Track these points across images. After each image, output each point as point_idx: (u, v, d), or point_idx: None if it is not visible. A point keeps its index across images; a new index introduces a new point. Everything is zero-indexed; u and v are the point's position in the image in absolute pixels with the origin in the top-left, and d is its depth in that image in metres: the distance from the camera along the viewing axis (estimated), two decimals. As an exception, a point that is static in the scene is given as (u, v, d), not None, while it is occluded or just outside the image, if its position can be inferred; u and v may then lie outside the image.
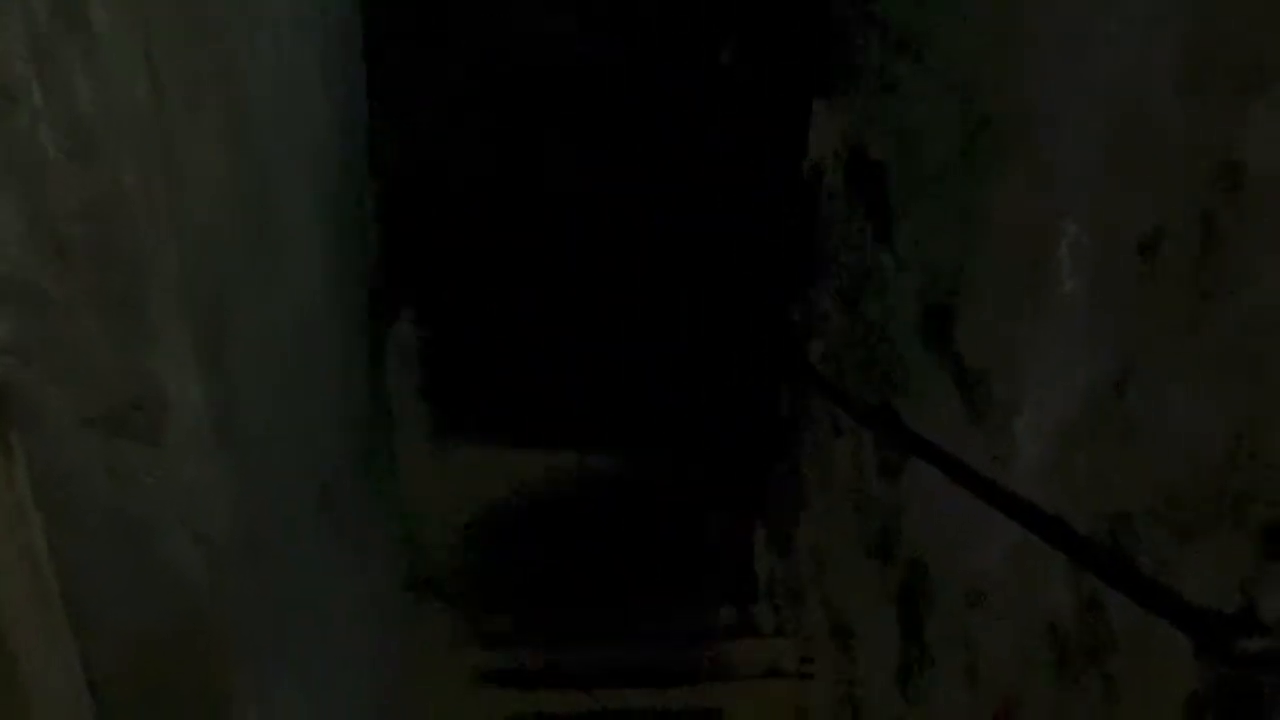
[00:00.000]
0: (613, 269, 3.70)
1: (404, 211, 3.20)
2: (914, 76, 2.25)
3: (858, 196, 2.66)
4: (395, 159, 3.03)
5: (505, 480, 4.01)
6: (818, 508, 2.96)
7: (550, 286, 3.69)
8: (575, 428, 4.03)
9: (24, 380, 0.97)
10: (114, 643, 1.05)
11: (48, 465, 1.00)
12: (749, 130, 3.26)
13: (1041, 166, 1.72)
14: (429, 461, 3.80)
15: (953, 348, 2.05)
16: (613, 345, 3.86)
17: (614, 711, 2.98)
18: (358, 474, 2.16)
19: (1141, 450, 1.46)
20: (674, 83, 3.20)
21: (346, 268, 1.99)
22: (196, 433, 1.02)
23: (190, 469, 1.03)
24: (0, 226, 0.93)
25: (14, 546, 0.96)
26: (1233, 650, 1.25)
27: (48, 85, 0.89)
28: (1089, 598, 1.58)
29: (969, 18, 1.96)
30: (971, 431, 1.95)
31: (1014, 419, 1.81)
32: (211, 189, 1.15)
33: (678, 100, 3.20)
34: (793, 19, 2.93)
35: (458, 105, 3.08)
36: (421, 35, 2.95)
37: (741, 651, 3.33)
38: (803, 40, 2.95)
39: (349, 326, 2.07)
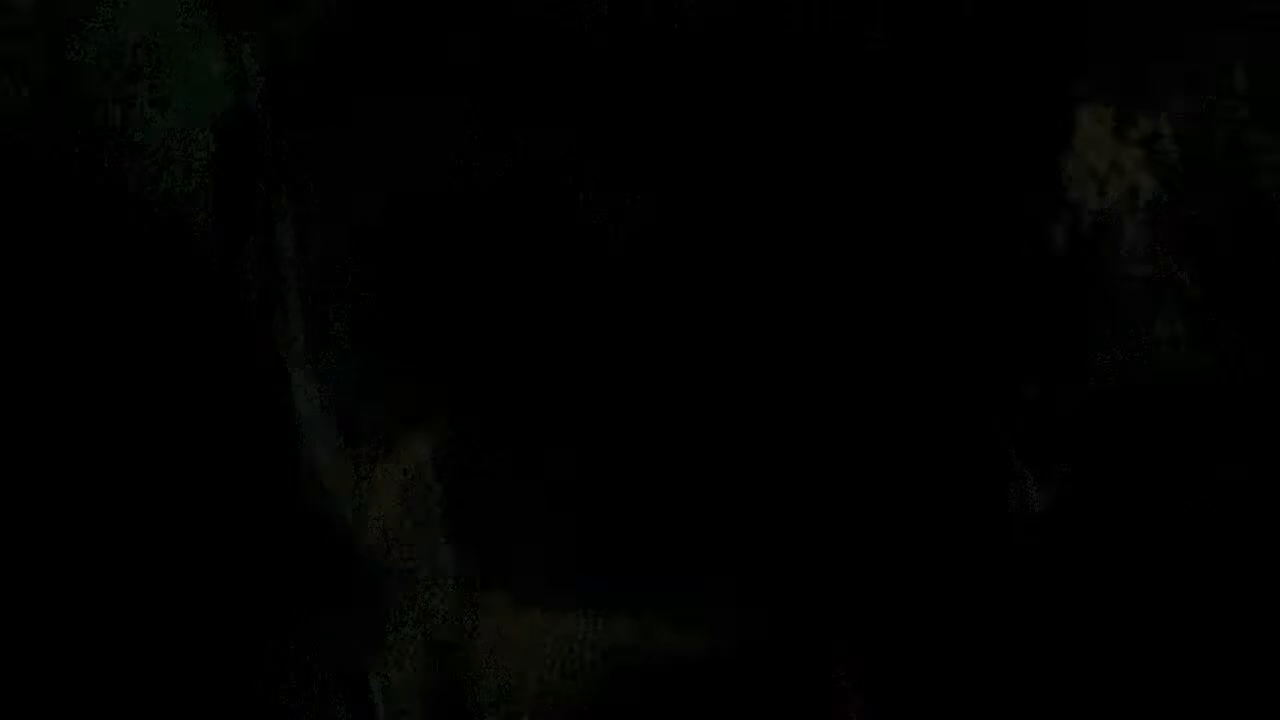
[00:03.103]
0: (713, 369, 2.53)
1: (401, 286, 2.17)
2: None
3: (1209, 300, 1.28)
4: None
5: (549, 659, 2.94)
6: None
7: (612, 395, 2.45)
8: (650, 583, 2.91)
9: None
10: None
11: None
12: (926, 160, 1.72)
13: None
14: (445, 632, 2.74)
15: None
16: (710, 475, 2.72)
17: None
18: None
19: None
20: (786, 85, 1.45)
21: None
22: None
23: None
24: None
25: None
26: None
27: None
28: None
29: None
30: None
31: None
32: None
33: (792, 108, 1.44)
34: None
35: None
36: None
37: None
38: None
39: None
